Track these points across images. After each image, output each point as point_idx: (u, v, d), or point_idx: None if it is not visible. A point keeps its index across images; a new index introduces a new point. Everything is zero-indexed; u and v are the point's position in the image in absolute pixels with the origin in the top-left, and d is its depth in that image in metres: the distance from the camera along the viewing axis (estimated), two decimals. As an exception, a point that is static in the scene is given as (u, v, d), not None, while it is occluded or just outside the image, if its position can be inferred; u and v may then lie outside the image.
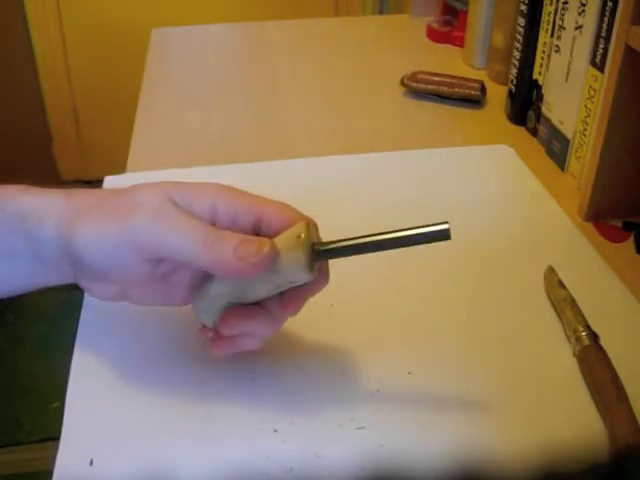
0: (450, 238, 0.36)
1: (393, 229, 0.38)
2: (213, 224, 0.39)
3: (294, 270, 0.37)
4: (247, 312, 0.39)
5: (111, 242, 0.37)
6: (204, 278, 0.40)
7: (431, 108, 0.81)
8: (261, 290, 0.39)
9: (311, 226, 0.39)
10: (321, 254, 0.38)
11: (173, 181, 0.40)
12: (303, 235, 0.37)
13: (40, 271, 0.41)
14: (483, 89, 0.81)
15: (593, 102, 0.61)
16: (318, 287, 0.40)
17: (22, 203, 0.40)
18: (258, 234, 0.39)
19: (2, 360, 1.54)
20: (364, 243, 0.38)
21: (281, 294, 0.40)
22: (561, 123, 0.67)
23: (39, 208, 0.40)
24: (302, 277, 0.38)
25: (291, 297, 0.39)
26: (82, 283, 0.41)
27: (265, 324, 0.40)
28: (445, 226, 0.36)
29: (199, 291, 0.41)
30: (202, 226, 0.37)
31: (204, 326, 0.41)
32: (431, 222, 0.37)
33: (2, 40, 1.80)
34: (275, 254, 0.37)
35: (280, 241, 0.38)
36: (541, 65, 0.71)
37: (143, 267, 0.38)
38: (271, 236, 0.38)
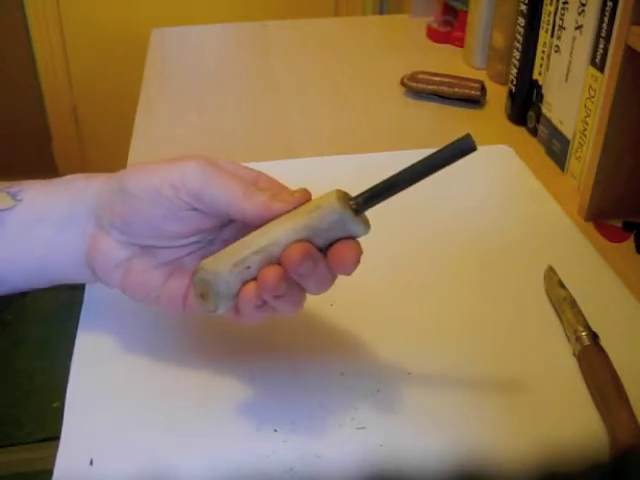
0: (476, 148, 0.37)
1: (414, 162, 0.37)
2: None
3: (330, 213, 0.36)
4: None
5: (158, 181, 0.39)
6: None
7: (431, 108, 0.81)
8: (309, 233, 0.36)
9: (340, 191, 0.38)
10: (361, 201, 0.37)
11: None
12: (340, 192, 0.37)
13: (56, 241, 0.42)
14: (483, 89, 0.81)
15: (593, 102, 0.61)
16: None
17: (69, 176, 0.44)
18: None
19: (2, 360, 1.54)
20: (397, 178, 0.37)
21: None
22: (561, 123, 0.67)
23: (88, 174, 0.44)
24: (355, 228, 0.37)
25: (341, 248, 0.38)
26: (97, 246, 0.41)
27: (321, 277, 0.38)
28: (468, 138, 0.36)
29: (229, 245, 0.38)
30: (243, 182, 0.39)
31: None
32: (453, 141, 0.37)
33: (2, 40, 1.80)
34: (308, 195, 0.38)
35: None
36: (541, 65, 0.71)
37: (182, 212, 0.39)
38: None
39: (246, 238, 0.38)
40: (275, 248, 0.37)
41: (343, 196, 0.37)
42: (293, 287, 0.37)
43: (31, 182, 0.44)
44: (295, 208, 0.38)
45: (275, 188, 0.41)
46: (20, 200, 0.42)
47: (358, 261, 0.38)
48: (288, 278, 0.37)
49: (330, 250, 0.37)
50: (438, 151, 0.36)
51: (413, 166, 0.37)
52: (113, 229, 0.41)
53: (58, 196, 0.43)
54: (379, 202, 0.38)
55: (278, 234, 0.37)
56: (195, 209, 0.39)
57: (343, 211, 0.37)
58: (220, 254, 0.38)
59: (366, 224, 0.38)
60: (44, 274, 0.44)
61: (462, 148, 0.36)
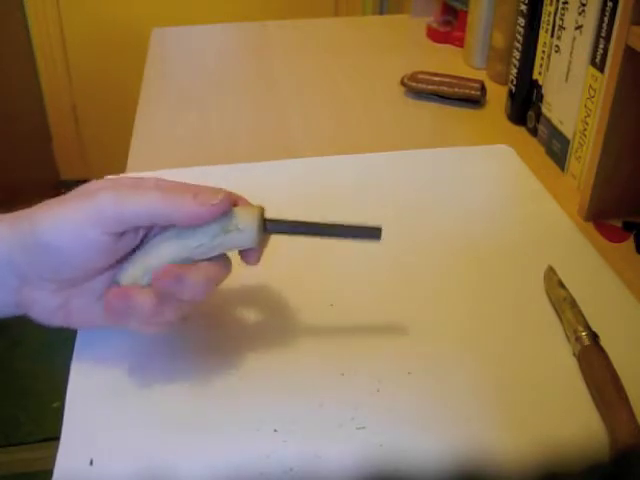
0: (380, 239, 0.42)
1: (336, 221, 0.42)
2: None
3: (246, 228, 0.40)
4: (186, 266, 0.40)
5: (74, 220, 0.38)
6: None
7: (431, 108, 0.81)
8: (206, 233, 0.40)
9: (263, 207, 0.42)
10: (269, 223, 0.41)
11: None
12: (257, 208, 0.41)
13: None
14: (483, 89, 0.81)
15: (593, 102, 0.61)
16: (261, 250, 0.42)
17: None
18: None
19: (2, 360, 1.54)
20: (306, 224, 0.42)
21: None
22: (561, 123, 0.67)
23: (4, 238, 0.40)
24: (250, 239, 0.40)
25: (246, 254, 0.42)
26: (26, 298, 0.41)
27: (204, 278, 0.40)
28: (378, 226, 0.42)
29: (134, 255, 0.41)
30: (157, 189, 0.40)
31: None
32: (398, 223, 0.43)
33: (2, 40, 1.79)
34: (231, 196, 0.40)
35: (236, 208, 0.41)
36: (541, 65, 0.71)
37: (105, 241, 0.39)
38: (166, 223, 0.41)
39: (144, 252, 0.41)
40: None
41: (261, 220, 0.41)
42: (167, 300, 0.40)
43: None
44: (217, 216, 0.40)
45: (193, 188, 0.41)
46: None
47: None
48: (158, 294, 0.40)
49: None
50: (352, 225, 0.42)
51: (322, 223, 0.42)
52: (43, 282, 0.40)
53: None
54: (281, 233, 0.42)
55: (168, 251, 0.41)
56: (117, 234, 0.39)
57: (256, 243, 0.41)
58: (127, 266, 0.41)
59: (259, 241, 0.41)
60: None
61: (370, 234, 0.42)
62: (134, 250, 0.42)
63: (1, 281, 0.40)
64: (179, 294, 0.39)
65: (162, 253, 0.40)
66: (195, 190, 0.40)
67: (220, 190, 0.40)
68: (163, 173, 0.65)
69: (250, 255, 0.42)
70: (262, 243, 0.42)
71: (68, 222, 0.39)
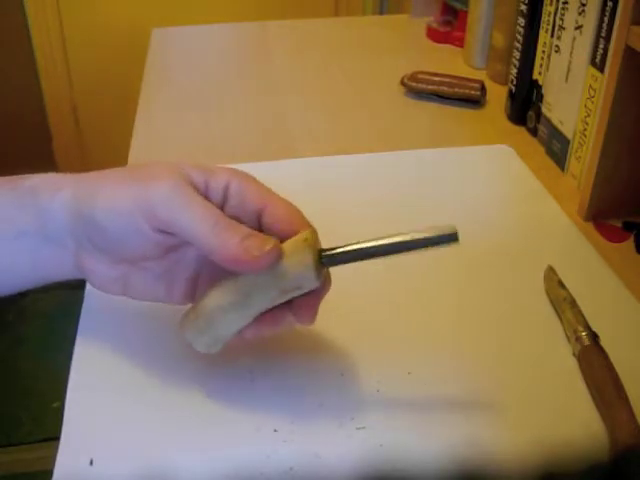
0: (458, 241, 0.37)
1: (398, 233, 0.38)
2: (224, 202, 0.40)
3: (302, 273, 0.37)
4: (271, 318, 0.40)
5: (128, 208, 0.38)
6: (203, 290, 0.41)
7: (431, 108, 0.81)
8: (266, 296, 0.38)
9: (315, 233, 0.39)
10: (327, 259, 0.38)
11: (191, 162, 0.41)
12: (309, 238, 0.38)
13: (41, 252, 0.41)
14: (483, 89, 0.81)
15: (593, 102, 0.61)
16: (324, 292, 0.40)
17: (36, 179, 0.41)
18: (260, 225, 0.40)
19: (2, 360, 1.54)
20: (370, 248, 0.38)
21: (289, 305, 0.39)
22: (561, 123, 0.67)
23: (53, 181, 0.41)
24: (310, 281, 0.38)
25: (301, 305, 0.39)
26: (84, 264, 0.41)
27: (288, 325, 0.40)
28: (454, 231, 0.37)
29: (193, 310, 0.40)
30: (214, 211, 0.38)
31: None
32: (437, 225, 0.38)
33: (2, 40, 1.80)
34: (279, 252, 0.37)
35: (286, 245, 0.38)
36: (541, 65, 0.71)
37: (155, 236, 0.38)
38: (272, 231, 0.39)
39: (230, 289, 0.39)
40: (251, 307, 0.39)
41: (318, 261, 0.38)
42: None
43: None
44: (266, 267, 0.37)
45: (242, 211, 0.40)
46: None
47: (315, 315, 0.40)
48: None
49: (294, 307, 0.39)
50: (421, 236, 0.39)
51: (391, 242, 0.38)
52: (96, 252, 0.40)
53: (26, 209, 0.40)
54: (343, 263, 0.39)
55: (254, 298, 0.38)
56: (167, 231, 0.39)
57: (313, 269, 0.37)
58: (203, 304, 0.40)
59: (321, 279, 0.39)
60: (36, 279, 0.43)
61: (446, 240, 0.38)
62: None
63: (61, 243, 0.41)
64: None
65: (222, 319, 0.39)
66: (245, 231, 0.37)
67: (270, 240, 0.37)
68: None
69: (306, 308, 0.40)
70: (324, 284, 0.39)
71: (122, 209, 0.38)
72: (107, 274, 0.41)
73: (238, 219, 0.39)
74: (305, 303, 0.39)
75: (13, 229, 0.41)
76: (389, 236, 0.38)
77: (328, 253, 0.38)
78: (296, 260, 0.37)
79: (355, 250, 0.38)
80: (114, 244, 0.39)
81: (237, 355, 0.45)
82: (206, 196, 0.39)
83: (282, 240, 0.38)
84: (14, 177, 0.42)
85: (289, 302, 0.39)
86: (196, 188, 0.39)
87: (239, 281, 0.38)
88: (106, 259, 0.41)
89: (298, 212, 0.40)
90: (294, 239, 0.38)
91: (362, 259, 0.38)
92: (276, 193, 0.41)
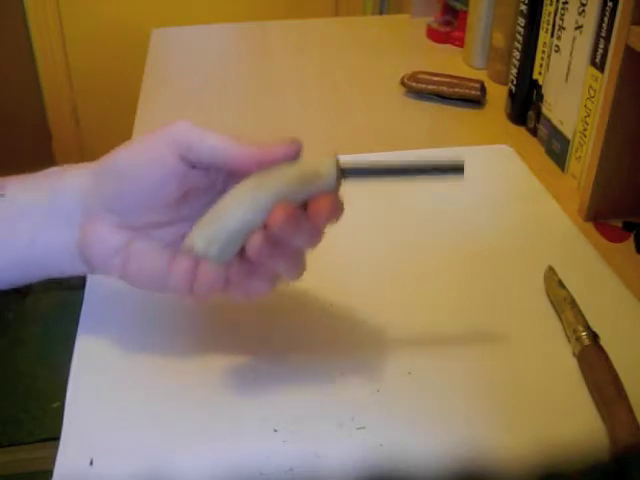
0: (463, 175, 0.40)
1: (413, 157, 0.40)
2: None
3: (323, 173, 0.39)
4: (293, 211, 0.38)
5: (150, 143, 0.40)
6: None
7: (431, 108, 0.81)
8: (282, 185, 0.38)
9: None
10: (345, 170, 0.40)
11: None
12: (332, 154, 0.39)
13: (43, 234, 0.42)
14: (483, 89, 0.81)
15: (593, 102, 0.61)
16: (337, 195, 0.40)
17: (52, 168, 0.44)
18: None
19: (2, 360, 1.54)
20: (384, 166, 0.41)
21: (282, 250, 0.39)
22: (561, 123, 0.67)
23: (68, 166, 0.44)
24: (329, 182, 0.39)
25: (317, 200, 0.39)
26: (89, 235, 0.41)
27: (309, 232, 0.39)
28: (460, 161, 0.39)
29: (208, 213, 0.39)
30: (232, 135, 0.40)
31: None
32: (448, 156, 0.40)
33: (2, 41, 1.80)
34: (299, 144, 0.39)
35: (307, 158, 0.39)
36: (541, 65, 0.71)
37: (177, 167, 0.39)
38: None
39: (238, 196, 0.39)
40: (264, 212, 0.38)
41: (339, 169, 0.39)
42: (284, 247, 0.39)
43: (14, 178, 0.44)
44: (288, 157, 0.39)
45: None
46: (2, 195, 0.42)
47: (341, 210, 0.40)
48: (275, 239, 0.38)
49: (311, 205, 0.39)
50: (432, 163, 0.40)
51: (409, 165, 0.40)
52: (104, 211, 0.40)
53: (38, 189, 0.43)
54: (359, 177, 0.41)
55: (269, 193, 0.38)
56: (188, 163, 0.40)
57: (337, 183, 0.39)
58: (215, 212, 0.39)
59: (338, 183, 0.40)
60: (34, 267, 0.43)
61: (455, 166, 0.40)
62: (203, 201, 0.41)
63: (65, 213, 0.41)
64: (297, 239, 0.38)
65: (236, 211, 0.38)
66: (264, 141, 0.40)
67: (289, 138, 0.40)
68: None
69: (330, 206, 0.39)
70: (339, 190, 0.40)
71: (146, 146, 0.40)
72: (110, 243, 0.41)
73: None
74: (320, 199, 0.39)
75: (15, 210, 0.42)
76: (403, 160, 0.40)
77: (347, 165, 0.40)
78: (319, 161, 0.39)
79: (371, 166, 0.40)
80: (132, 193, 0.40)
81: (238, 355, 0.45)
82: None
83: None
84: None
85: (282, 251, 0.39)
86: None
87: (257, 176, 0.39)
88: (114, 221, 0.40)
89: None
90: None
91: (377, 176, 0.41)
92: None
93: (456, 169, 0.40)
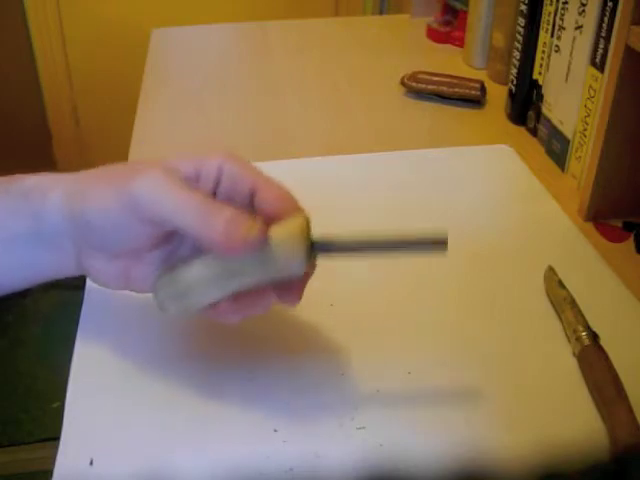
0: (446, 250, 0.37)
1: (391, 231, 0.38)
2: (216, 186, 0.40)
3: (291, 261, 0.37)
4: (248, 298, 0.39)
5: (114, 204, 0.38)
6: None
7: (431, 108, 0.81)
8: (251, 277, 0.38)
9: (307, 220, 0.38)
10: (317, 248, 0.38)
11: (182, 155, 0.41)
12: (303, 227, 0.37)
13: (40, 254, 0.41)
14: (483, 89, 0.81)
15: (593, 102, 0.61)
16: (310, 276, 0.40)
17: (28, 182, 0.42)
18: (253, 206, 0.40)
19: (2, 360, 1.54)
20: (360, 242, 0.38)
21: (272, 286, 0.39)
22: (561, 123, 0.67)
23: (44, 183, 0.41)
24: (299, 269, 0.37)
25: (287, 287, 0.39)
26: (85, 263, 0.41)
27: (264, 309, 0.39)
28: (444, 236, 0.37)
29: (170, 272, 0.39)
30: (197, 196, 0.37)
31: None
32: (430, 229, 0.37)
33: (2, 41, 1.80)
34: (263, 237, 0.37)
35: (278, 230, 0.37)
36: (541, 65, 0.71)
37: (145, 228, 0.39)
38: (263, 212, 0.39)
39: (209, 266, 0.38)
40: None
41: (308, 250, 0.37)
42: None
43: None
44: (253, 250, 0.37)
45: (234, 192, 0.40)
46: None
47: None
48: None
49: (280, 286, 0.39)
50: (410, 238, 0.38)
51: (381, 239, 0.38)
52: (93, 250, 0.41)
53: (19, 214, 0.41)
54: (333, 254, 0.38)
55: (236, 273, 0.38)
56: (156, 222, 0.39)
57: (302, 263, 0.37)
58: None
59: (308, 266, 0.38)
60: (35, 278, 0.43)
61: (437, 240, 0.38)
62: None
63: (59, 245, 0.41)
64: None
65: (201, 290, 0.38)
66: (229, 215, 0.36)
67: (254, 225, 0.36)
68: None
69: (291, 291, 0.39)
70: (309, 269, 0.39)
71: (109, 206, 0.38)
72: (108, 271, 0.41)
73: (231, 201, 0.39)
74: (291, 286, 0.39)
75: (8, 233, 0.41)
76: (382, 234, 0.38)
77: (319, 243, 0.38)
78: (287, 248, 0.37)
79: (346, 243, 0.38)
80: (108, 241, 0.40)
81: (237, 355, 0.45)
82: (198, 184, 0.40)
83: (274, 221, 0.38)
84: (6, 178, 0.43)
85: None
86: (185, 178, 0.39)
87: (226, 257, 0.38)
88: (104, 256, 0.41)
89: (289, 195, 0.40)
90: (286, 225, 0.37)
91: (351, 252, 0.38)
92: (268, 175, 0.41)
93: (438, 243, 0.38)
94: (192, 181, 0.39)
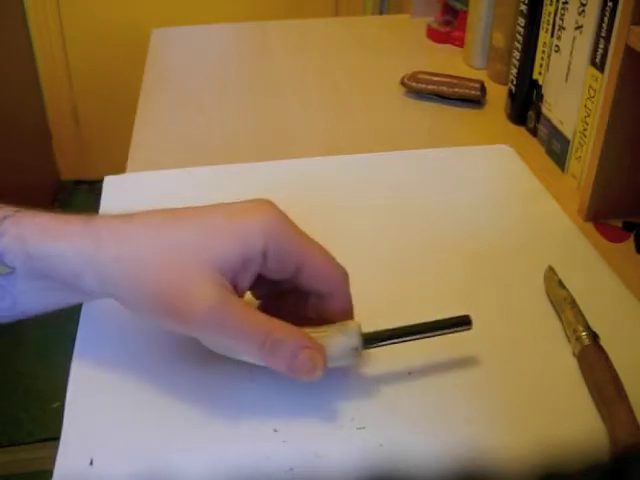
0: (471, 327, 0.43)
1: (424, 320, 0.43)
2: (263, 264, 0.40)
3: (344, 363, 0.42)
4: None
5: (169, 328, 0.40)
6: None
7: (431, 108, 0.81)
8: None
9: (359, 326, 0.42)
10: (366, 345, 0.42)
11: (216, 245, 0.39)
12: (357, 331, 0.41)
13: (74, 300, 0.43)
14: (483, 89, 0.81)
15: (593, 102, 0.61)
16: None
17: (47, 250, 0.39)
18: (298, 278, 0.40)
19: (3, 360, 1.54)
20: (400, 334, 0.43)
21: None
22: (561, 123, 0.67)
23: (70, 259, 0.39)
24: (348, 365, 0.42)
25: None
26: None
27: None
28: (466, 316, 0.43)
29: None
30: (259, 327, 0.38)
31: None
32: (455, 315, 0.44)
33: (2, 40, 1.80)
34: (325, 365, 0.39)
35: (332, 337, 0.40)
36: (541, 65, 0.71)
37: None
38: (310, 288, 0.41)
39: None
40: None
41: (360, 348, 0.41)
42: None
43: (30, 224, 0.40)
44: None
45: (280, 266, 0.40)
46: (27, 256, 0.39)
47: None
48: None
49: None
50: (440, 321, 0.43)
51: (421, 326, 0.43)
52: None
53: (66, 262, 0.39)
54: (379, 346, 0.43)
55: None
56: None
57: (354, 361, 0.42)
58: None
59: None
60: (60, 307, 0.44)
61: (462, 321, 0.43)
62: None
63: (81, 283, 0.40)
64: None
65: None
66: (293, 348, 0.38)
67: (318, 357, 0.39)
68: (163, 173, 0.65)
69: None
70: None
71: (160, 326, 0.40)
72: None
73: (278, 272, 0.40)
74: None
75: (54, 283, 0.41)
76: (416, 324, 0.43)
77: (368, 340, 0.42)
78: (343, 353, 0.41)
79: (389, 336, 0.43)
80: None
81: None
82: (244, 269, 0.39)
83: (321, 293, 0.41)
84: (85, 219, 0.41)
85: None
86: (233, 270, 0.38)
87: None
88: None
89: (335, 269, 0.41)
90: (342, 329, 0.41)
91: (393, 342, 0.43)
92: (314, 243, 0.41)
93: (464, 323, 0.43)
94: (239, 272, 0.39)
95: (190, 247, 0.38)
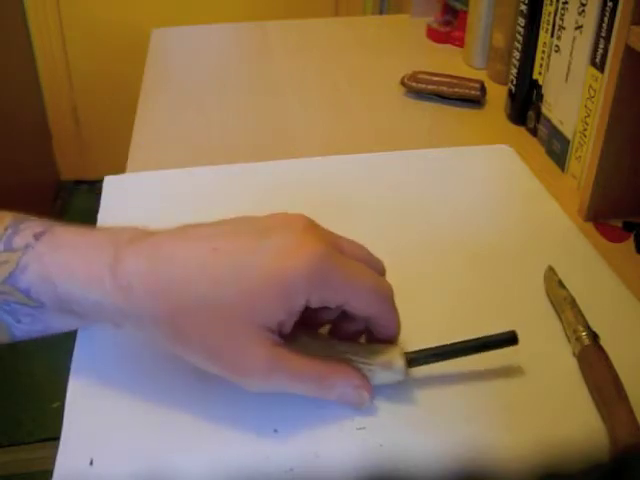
0: (517, 342, 0.42)
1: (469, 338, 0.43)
2: (306, 307, 0.39)
3: (390, 382, 0.42)
4: None
5: (220, 374, 0.40)
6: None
7: (431, 108, 0.81)
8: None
9: (403, 352, 0.42)
10: (412, 363, 0.42)
11: (258, 298, 0.38)
12: (402, 355, 0.42)
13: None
14: (483, 89, 0.81)
15: (593, 102, 0.61)
16: None
17: (78, 296, 0.39)
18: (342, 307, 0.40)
19: (2, 360, 1.54)
20: (443, 350, 0.42)
21: None
22: (561, 123, 0.67)
23: (106, 308, 0.39)
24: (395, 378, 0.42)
25: None
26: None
27: None
28: (512, 333, 0.43)
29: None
30: (312, 376, 0.40)
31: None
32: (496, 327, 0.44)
33: (2, 40, 1.80)
34: (371, 394, 0.41)
35: (377, 372, 0.41)
36: (541, 65, 0.71)
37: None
38: (353, 311, 0.41)
39: None
40: None
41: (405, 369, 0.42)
42: None
43: (54, 264, 0.39)
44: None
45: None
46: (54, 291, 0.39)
47: None
48: None
49: None
50: (487, 338, 0.43)
51: (466, 343, 0.43)
52: None
53: (102, 311, 0.39)
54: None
55: None
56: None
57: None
58: None
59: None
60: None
61: (508, 338, 0.43)
62: None
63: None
64: None
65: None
66: (342, 390, 0.40)
67: (364, 394, 0.40)
68: (163, 173, 0.65)
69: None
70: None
71: (213, 372, 0.40)
72: None
73: (322, 307, 0.40)
74: None
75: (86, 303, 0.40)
76: (461, 342, 0.43)
77: (412, 360, 0.42)
78: (389, 376, 0.42)
79: (433, 353, 0.42)
80: None
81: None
82: (289, 318, 0.39)
83: (368, 320, 0.42)
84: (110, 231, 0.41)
85: None
86: (278, 324, 0.39)
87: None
88: None
89: (379, 295, 0.41)
90: (386, 371, 0.41)
91: (439, 360, 0.43)
92: (358, 272, 0.40)
93: (510, 340, 0.43)
94: (284, 322, 0.39)
95: (235, 308, 0.38)
